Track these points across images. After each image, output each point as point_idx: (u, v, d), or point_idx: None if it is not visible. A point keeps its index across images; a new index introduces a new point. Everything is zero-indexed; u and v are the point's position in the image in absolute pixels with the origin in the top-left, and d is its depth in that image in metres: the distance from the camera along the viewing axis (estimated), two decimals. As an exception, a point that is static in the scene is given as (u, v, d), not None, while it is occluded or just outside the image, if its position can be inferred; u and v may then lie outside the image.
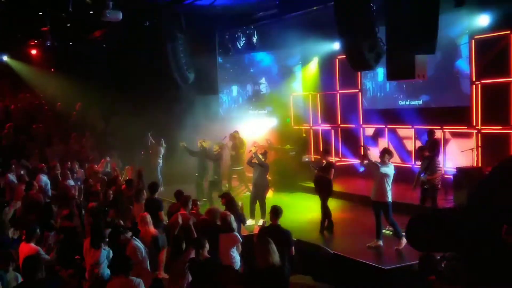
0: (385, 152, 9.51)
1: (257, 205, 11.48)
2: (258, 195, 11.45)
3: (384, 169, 9.21)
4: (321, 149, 13.21)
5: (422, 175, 10.25)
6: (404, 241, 9.05)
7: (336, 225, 10.91)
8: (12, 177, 12.65)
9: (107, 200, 9.99)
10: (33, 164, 15.05)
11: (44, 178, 12.39)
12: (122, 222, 8.21)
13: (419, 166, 10.72)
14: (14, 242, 7.69)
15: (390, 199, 9.29)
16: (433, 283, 5.40)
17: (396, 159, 14.67)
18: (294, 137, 17.01)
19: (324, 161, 11.03)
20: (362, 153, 9.82)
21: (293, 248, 7.25)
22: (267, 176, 11.76)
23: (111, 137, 17.49)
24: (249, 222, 10.92)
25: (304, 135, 17.53)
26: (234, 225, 7.58)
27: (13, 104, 19.68)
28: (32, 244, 7.27)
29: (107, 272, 6.84)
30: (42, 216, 9.02)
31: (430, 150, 10.94)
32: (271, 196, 13.76)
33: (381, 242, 9.31)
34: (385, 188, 9.21)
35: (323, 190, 10.80)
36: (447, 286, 5.32)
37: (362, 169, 15.47)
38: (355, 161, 15.86)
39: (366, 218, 10.45)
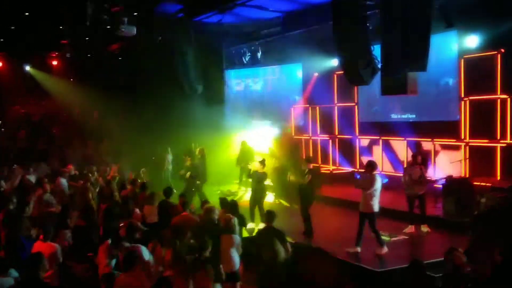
0: (369, 166, 9.30)
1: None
2: (257, 200, 11.39)
3: (373, 187, 9.01)
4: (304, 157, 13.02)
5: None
6: (384, 249, 9.01)
7: (332, 229, 10.86)
8: (31, 178, 12.61)
9: (117, 202, 9.98)
10: (53, 166, 15.04)
11: (63, 181, 12.32)
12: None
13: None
14: (32, 241, 7.55)
15: (376, 209, 9.11)
16: None
17: (388, 168, 14.67)
18: (292, 147, 17.00)
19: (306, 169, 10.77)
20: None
21: (288, 244, 7.22)
22: (264, 182, 11.68)
23: (125, 144, 17.53)
24: (250, 225, 10.91)
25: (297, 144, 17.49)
26: (237, 228, 7.58)
27: (34, 111, 19.79)
28: (50, 242, 7.17)
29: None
30: (59, 216, 8.98)
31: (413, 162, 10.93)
32: (271, 202, 13.80)
33: (359, 249, 9.06)
34: (373, 200, 9.03)
35: (309, 198, 10.65)
36: None
37: (358, 176, 15.52)
38: (351, 169, 15.82)
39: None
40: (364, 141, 15.89)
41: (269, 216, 7.59)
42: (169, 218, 8.66)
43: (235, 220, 7.58)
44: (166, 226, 8.38)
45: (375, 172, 9.26)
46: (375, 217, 9.14)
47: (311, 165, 10.89)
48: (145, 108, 17.62)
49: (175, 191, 13.56)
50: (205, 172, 14.38)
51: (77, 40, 15.04)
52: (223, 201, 9.06)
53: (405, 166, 11.36)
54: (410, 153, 12.87)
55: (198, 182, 13.71)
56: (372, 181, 9.02)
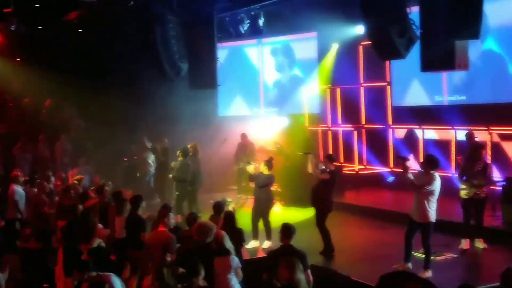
0: (429, 162, 9.37)
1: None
2: (261, 211, 11.34)
3: (430, 187, 9.08)
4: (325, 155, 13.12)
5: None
6: (429, 273, 9.03)
7: (356, 246, 10.95)
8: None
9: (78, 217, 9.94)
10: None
11: (19, 189, 12.04)
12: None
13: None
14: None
15: (433, 219, 9.19)
16: None
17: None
18: (306, 141, 16.97)
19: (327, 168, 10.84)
20: (402, 166, 9.50)
21: (309, 271, 7.19)
22: (271, 187, 11.73)
23: (88, 141, 17.53)
24: (252, 244, 10.87)
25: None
26: (229, 244, 7.51)
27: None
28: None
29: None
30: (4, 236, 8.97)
31: (470, 157, 10.89)
32: (279, 212, 13.78)
33: (410, 265, 9.23)
34: (429, 206, 9.10)
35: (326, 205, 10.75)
36: None
37: (391, 178, 15.52)
38: (383, 169, 15.81)
39: (392, 238, 10.37)
40: (400, 131, 15.86)
41: (286, 231, 7.32)
42: (138, 236, 8.63)
43: (226, 237, 7.53)
44: (133, 245, 8.41)
45: (434, 171, 9.26)
46: (432, 229, 9.21)
47: (333, 165, 10.90)
48: (113, 95, 17.60)
49: (158, 200, 13.64)
50: (199, 174, 14.32)
51: (25, 9, 15.00)
52: (217, 206, 9.07)
53: (460, 162, 11.29)
54: (460, 147, 12.81)
55: (189, 188, 13.69)
56: (429, 180, 9.06)
